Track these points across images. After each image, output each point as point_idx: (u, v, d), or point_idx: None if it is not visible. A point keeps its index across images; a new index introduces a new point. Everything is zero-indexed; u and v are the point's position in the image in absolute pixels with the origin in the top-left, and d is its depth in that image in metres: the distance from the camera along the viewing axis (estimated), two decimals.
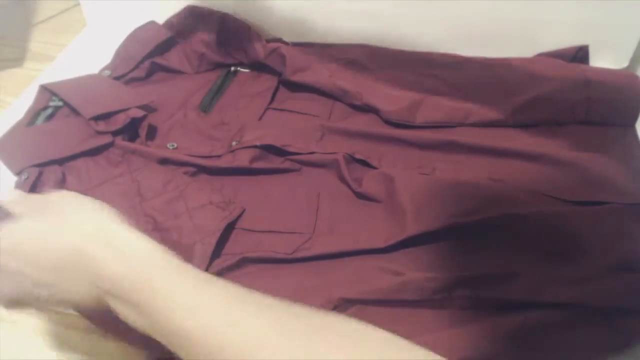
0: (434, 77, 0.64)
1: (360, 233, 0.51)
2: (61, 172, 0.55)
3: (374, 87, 0.62)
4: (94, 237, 0.37)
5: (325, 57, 0.68)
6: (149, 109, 0.62)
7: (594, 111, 0.58)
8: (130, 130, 0.59)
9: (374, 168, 0.55)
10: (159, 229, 0.52)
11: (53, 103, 0.60)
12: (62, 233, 0.38)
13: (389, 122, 0.60)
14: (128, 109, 0.59)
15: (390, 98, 0.60)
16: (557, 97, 0.58)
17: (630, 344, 0.42)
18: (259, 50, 0.66)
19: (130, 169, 0.56)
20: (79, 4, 0.83)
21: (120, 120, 0.58)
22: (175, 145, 0.59)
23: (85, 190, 0.54)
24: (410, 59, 0.68)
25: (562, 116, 0.58)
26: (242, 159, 0.56)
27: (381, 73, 0.65)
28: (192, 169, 0.57)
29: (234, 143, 0.58)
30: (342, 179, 0.54)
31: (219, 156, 0.58)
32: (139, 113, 0.59)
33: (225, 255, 0.50)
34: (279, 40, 0.69)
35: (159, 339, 0.34)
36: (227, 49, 0.69)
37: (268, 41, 0.68)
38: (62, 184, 0.54)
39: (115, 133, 0.58)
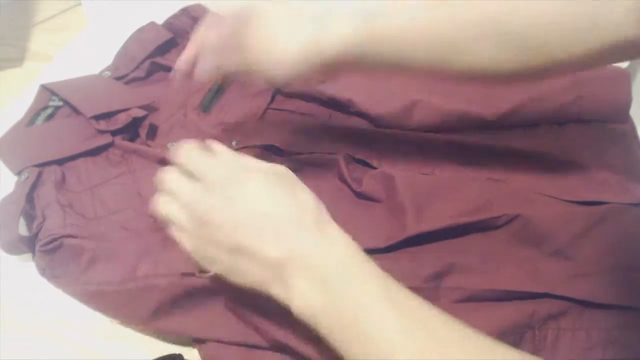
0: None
1: (360, 232, 0.51)
2: (61, 171, 0.55)
3: (365, 91, 0.62)
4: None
5: None
6: (150, 108, 0.62)
7: (586, 109, 0.58)
8: (131, 130, 0.59)
9: (374, 168, 0.55)
10: (159, 229, 0.52)
11: (53, 103, 0.60)
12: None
13: None
14: (129, 108, 0.59)
15: (382, 102, 0.60)
16: (548, 98, 0.58)
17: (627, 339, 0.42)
18: None
19: (130, 169, 0.56)
20: (79, 4, 0.83)
21: (121, 120, 0.58)
22: (175, 144, 0.59)
23: (85, 190, 0.54)
24: None
25: (555, 116, 0.59)
26: None
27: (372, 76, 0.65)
28: None
29: (234, 143, 0.58)
30: (342, 179, 0.54)
31: None
32: (140, 113, 0.59)
33: None
34: None
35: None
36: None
37: None
38: (61, 183, 0.54)
39: (115, 132, 0.58)
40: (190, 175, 0.39)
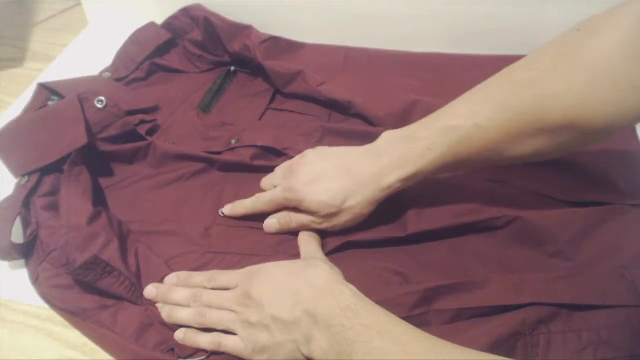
0: (423, 79, 0.64)
1: (361, 230, 0.51)
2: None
3: (364, 92, 0.62)
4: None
5: (314, 61, 0.68)
6: (152, 110, 0.62)
7: None
8: (129, 131, 0.59)
9: None
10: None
11: (52, 103, 0.60)
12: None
13: None
14: (135, 112, 0.59)
15: (381, 103, 0.60)
16: None
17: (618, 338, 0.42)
18: (244, 53, 0.66)
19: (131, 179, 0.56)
20: (79, 4, 0.83)
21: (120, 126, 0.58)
22: (173, 143, 0.59)
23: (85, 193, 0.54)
24: (398, 60, 0.68)
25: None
26: (243, 157, 0.56)
27: (371, 77, 0.65)
28: (192, 170, 0.56)
29: (233, 141, 0.58)
30: None
31: (219, 153, 0.58)
32: (147, 118, 0.60)
33: (228, 255, 0.50)
34: (270, 38, 0.69)
35: None
36: (215, 51, 0.69)
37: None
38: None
39: (115, 138, 0.57)
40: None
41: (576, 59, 0.41)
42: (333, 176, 0.47)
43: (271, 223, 0.51)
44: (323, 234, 0.51)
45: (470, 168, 0.49)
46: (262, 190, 0.53)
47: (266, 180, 0.54)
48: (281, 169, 0.52)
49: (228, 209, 0.53)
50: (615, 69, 0.39)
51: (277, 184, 0.51)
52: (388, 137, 0.48)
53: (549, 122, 0.42)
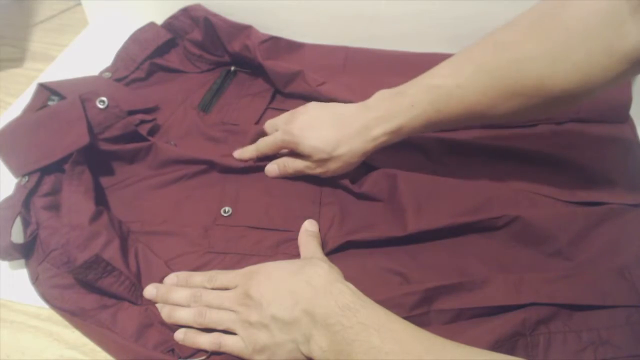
0: None
1: (361, 230, 0.51)
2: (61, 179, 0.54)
3: (364, 91, 0.61)
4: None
5: (314, 61, 0.68)
6: (152, 110, 0.62)
7: (585, 109, 0.58)
8: (130, 132, 0.59)
9: (375, 168, 0.55)
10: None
11: (52, 103, 0.60)
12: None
13: None
14: (135, 112, 0.59)
15: None
16: None
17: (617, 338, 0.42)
18: (244, 53, 0.66)
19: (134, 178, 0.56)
20: (79, 4, 0.83)
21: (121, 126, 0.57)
22: (174, 144, 0.59)
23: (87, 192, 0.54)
24: (398, 60, 0.68)
25: (555, 116, 0.59)
26: None
27: (371, 77, 0.65)
28: (192, 170, 0.56)
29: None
30: (341, 184, 0.54)
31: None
32: (147, 117, 0.60)
33: (228, 254, 0.50)
34: (270, 38, 0.69)
35: None
36: (215, 51, 0.69)
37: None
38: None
39: (117, 138, 0.57)
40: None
41: (553, 21, 0.42)
42: (327, 125, 0.51)
43: (271, 168, 0.55)
44: (323, 233, 0.51)
45: (454, 127, 0.52)
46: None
47: (269, 123, 0.57)
48: (284, 115, 0.56)
49: (237, 153, 0.57)
50: (590, 31, 0.40)
51: (278, 128, 0.55)
52: (379, 94, 0.51)
53: (522, 84, 0.43)
